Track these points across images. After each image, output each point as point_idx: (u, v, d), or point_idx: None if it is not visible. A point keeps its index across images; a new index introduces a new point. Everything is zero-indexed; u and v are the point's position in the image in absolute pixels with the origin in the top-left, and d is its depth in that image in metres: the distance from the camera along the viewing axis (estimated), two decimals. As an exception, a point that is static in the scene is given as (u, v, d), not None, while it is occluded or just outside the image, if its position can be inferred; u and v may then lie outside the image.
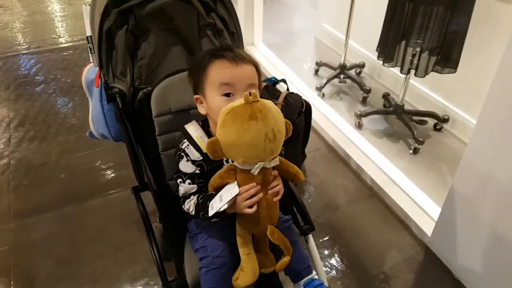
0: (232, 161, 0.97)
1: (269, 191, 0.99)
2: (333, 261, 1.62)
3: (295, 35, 3.57)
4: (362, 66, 2.77)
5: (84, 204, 1.83)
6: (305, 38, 3.47)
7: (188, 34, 1.31)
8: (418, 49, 1.94)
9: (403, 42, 1.97)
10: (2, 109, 2.47)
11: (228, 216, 1.02)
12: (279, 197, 1.00)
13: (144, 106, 1.18)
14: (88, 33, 1.42)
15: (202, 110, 1.04)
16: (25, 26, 3.64)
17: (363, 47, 2.82)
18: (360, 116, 2.28)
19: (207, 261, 1.04)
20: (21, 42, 3.33)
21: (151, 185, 1.17)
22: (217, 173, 1.00)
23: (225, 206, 0.94)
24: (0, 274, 1.53)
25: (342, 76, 2.65)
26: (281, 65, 2.90)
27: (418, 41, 1.93)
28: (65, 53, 3.11)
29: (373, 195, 1.92)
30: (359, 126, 2.30)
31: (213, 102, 0.99)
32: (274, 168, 0.99)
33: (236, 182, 0.97)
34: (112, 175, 1.99)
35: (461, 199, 1.47)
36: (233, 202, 0.95)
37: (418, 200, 1.82)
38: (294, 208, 1.24)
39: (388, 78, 2.67)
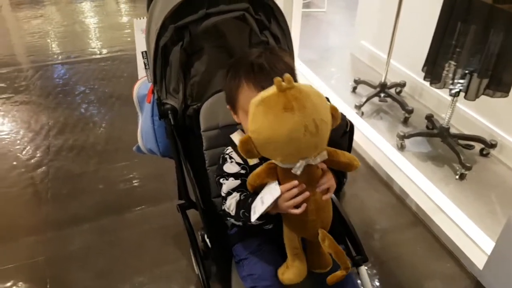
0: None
1: (318, 189, 0.87)
2: (376, 292, 1.54)
3: (331, 52, 3.52)
4: (403, 85, 2.69)
5: (121, 217, 1.81)
6: (341, 55, 3.42)
7: (239, 51, 1.29)
8: (468, 71, 1.86)
9: (452, 63, 1.90)
10: (42, 116, 2.51)
11: (276, 231, 0.96)
12: (329, 195, 0.88)
13: (194, 121, 1.18)
14: (140, 47, 1.42)
15: (235, 119, 1.05)
16: (65, 36, 3.74)
17: (404, 65, 2.75)
18: (403, 137, 2.20)
19: (256, 291, 0.99)
20: (61, 51, 3.41)
21: (200, 204, 1.14)
22: (255, 172, 0.89)
23: (267, 210, 0.84)
24: (37, 285, 1.53)
25: (382, 94, 2.58)
26: (317, 82, 2.86)
27: (468, 63, 1.85)
28: (103, 64, 3.17)
29: (418, 222, 1.82)
30: (401, 148, 2.22)
31: (244, 123, 1.00)
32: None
33: (276, 182, 0.86)
34: (150, 187, 1.98)
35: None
36: (275, 203, 0.85)
37: (467, 229, 1.72)
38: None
39: (430, 98, 2.58)
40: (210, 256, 1.27)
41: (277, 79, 0.75)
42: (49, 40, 3.61)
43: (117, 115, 2.52)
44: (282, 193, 0.83)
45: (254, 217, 0.86)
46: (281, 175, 0.86)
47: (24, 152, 2.20)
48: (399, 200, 1.94)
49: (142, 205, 1.87)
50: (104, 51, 3.41)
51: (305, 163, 0.81)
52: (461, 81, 1.89)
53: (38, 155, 2.18)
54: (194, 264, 1.49)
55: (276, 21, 1.22)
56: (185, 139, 1.20)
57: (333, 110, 0.82)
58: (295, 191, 0.83)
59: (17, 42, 3.71)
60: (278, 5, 1.19)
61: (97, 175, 2.05)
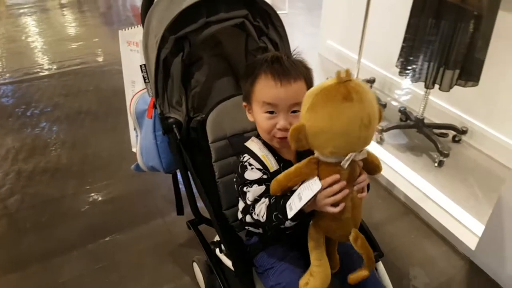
0: (313, 153, 0.86)
1: (355, 187, 0.86)
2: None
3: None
4: (372, 81, 2.79)
5: (111, 239, 1.71)
6: (308, 56, 3.43)
7: (235, 59, 1.28)
8: (441, 64, 1.96)
9: (426, 58, 1.99)
10: (6, 140, 2.33)
11: (297, 236, 0.95)
12: (365, 194, 0.89)
13: (199, 133, 1.14)
14: (126, 60, 1.35)
15: (250, 117, 1.04)
16: (19, 51, 3.50)
17: (372, 62, 2.85)
18: (381, 131, 2.28)
19: (286, 300, 0.97)
20: (17, 68, 3.18)
21: (214, 218, 1.10)
22: (293, 168, 0.87)
23: (305, 206, 0.82)
24: (31, 324, 1.41)
25: (356, 91, 2.65)
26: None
27: (440, 56, 1.95)
28: (65, 78, 2.99)
29: (408, 211, 1.89)
30: (380, 141, 2.29)
31: (257, 117, 0.99)
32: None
33: (317, 177, 0.84)
34: (137, 205, 1.89)
35: (509, 212, 1.46)
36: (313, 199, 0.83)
37: (455, 213, 1.81)
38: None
39: (400, 92, 2.69)
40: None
41: (338, 70, 0.75)
42: (1, 57, 3.35)
43: (89, 131, 2.39)
44: (323, 188, 0.82)
45: (291, 213, 0.83)
46: (323, 171, 0.84)
47: (-9, 181, 2.03)
48: (387, 191, 2.00)
49: (132, 225, 1.78)
50: (64, 64, 3.22)
51: (353, 157, 0.80)
52: (436, 74, 1.99)
53: (8, 182, 2.02)
54: (201, 280, 1.45)
55: (273, 27, 1.22)
56: (190, 153, 1.16)
57: (380, 110, 0.83)
58: (336, 187, 0.82)
59: (-38, 61, 3.42)
60: (275, 10, 1.18)
61: (77, 197, 1.93)
